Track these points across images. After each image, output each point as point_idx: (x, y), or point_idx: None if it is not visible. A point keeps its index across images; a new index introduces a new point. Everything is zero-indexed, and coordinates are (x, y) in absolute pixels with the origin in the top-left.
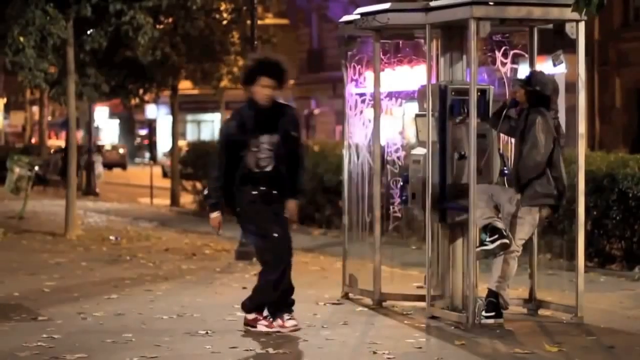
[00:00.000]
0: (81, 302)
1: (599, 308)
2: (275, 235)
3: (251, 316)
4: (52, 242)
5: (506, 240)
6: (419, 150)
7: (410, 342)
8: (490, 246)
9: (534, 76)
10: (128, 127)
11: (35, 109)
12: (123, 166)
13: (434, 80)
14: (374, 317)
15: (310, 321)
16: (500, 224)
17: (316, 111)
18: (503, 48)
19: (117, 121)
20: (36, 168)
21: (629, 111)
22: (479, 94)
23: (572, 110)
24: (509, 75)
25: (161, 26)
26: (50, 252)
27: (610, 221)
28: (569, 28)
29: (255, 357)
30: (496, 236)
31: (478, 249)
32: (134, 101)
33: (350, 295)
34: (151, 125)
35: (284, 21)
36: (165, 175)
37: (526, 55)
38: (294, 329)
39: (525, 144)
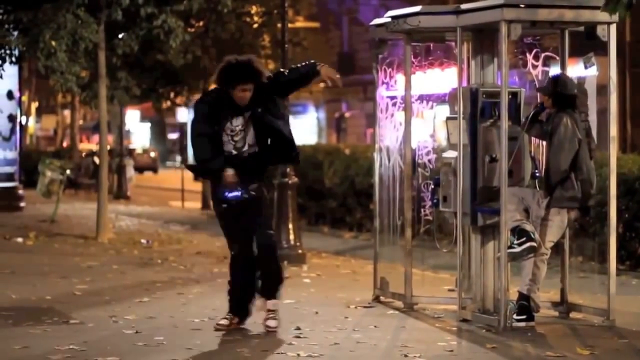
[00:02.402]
0: (113, 305)
1: (630, 311)
2: None
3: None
4: (83, 245)
5: (534, 243)
6: (450, 153)
7: (441, 346)
8: (518, 249)
9: (556, 80)
10: (159, 131)
11: (67, 112)
12: (154, 169)
13: (465, 83)
14: (405, 320)
15: (342, 324)
16: (528, 227)
17: (347, 114)
18: (534, 50)
19: (148, 125)
20: (68, 172)
21: None
22: (510, 96)
23: (603, 113)
24: (540, 77)
25: (192, 30)
26: (82, 255)
27: None
28: (600, 30)
29: (287, 359)
30: (524, 239)
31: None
32: (165, 104)
33: (382, 298)
34: (182, 128)
35: (315, 24)
36: (196, 178)
37: (557, 58)
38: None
39: (551, 148)
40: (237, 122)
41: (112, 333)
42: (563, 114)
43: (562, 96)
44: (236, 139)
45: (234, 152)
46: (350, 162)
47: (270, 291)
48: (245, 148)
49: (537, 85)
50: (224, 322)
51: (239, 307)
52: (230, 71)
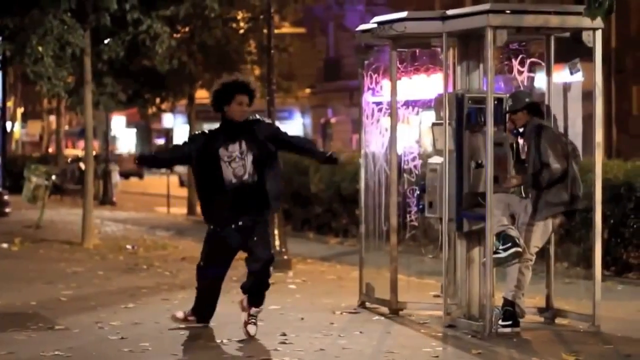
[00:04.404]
0: (98, 311)
1: (616, 317)
2: None
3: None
4: (69, 251)
5: (519, 249)
6: (436, 159)
7: (427, 351)
8: (503, 254)
9: (520, 96)
10: (145, 136)
11: (53, 118)
12: (140, 175)
13: (450, 89)
14: (391, 326)
15: (327, 330)
16: (513, 232)
17: (333, 120)
18: (520, 56)
19: (134, 130)
20: (53, 177)
21: None
22: (495, 102)
23: (589, 119)
24: (525, 83)
25: (178, 35)
26: (67, 261)
27: (628, 229)
28: (585, 36)
29: None
30: (509, 244)
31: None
32: (151, 110)
33: (367, 304)
34: (168, 134)
35: (301, 30)
36: (182, 184)
37: (543, 64)
38: None
39: (539, 159)
40: (234, 148)
41: (97, 339)
42: (541, 125)
43: (534, 104)
44: (234, 165)
45: (234, 180)
46: (335, 168)
47: (259, 300)
48: (246, 177)
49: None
50: (180, 314)
51: (199, 311)
52: (228, 85)
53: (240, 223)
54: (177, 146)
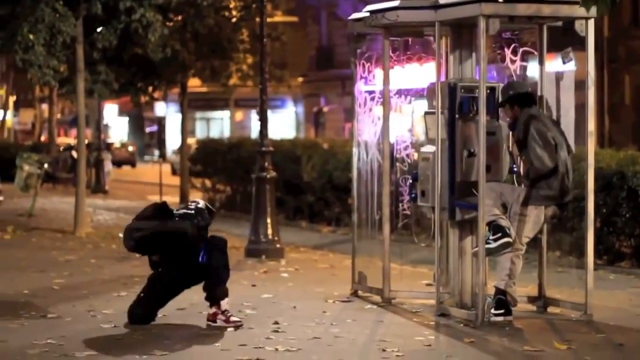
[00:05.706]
0: (90, 299)
1: (608, 306)
2: None
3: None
4: (61, 239)
5: (509, 239)
6: (428, 148)
7: (419, 340)
8: (494, 245)
9: (507, 87)
10: (137, 125)
11: (45, 106)
12: (132, 164)
13: (443, 78)
14: (383, 315)
15: (320, 318)
16: (504, 222)
17: (325, 109)
18: (512, 45)
19: (126, 119)
20: (45, 166)
21: (638, 108)
22: (488, 91)
23: (581, 108)
24: (518, 72)
25: (171, 24)
26: (60, 249)
27: (620, 219)
28: (578, 25)
29: (265, 354)
30: (499, 234)
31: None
32: (144, 99)
33: (360, 292)
34: (160, 122)
35: (293, 19)
36: (174, 172)
37: (535, 53)
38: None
39: (527, 153)
40: None
41: (90, 327)
42: (529, 118)
43: (519, 95)
44: None
45: None
46: (328, 156)
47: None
48: None
49: (514, 78)
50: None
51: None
52: None
53: None
54: None
